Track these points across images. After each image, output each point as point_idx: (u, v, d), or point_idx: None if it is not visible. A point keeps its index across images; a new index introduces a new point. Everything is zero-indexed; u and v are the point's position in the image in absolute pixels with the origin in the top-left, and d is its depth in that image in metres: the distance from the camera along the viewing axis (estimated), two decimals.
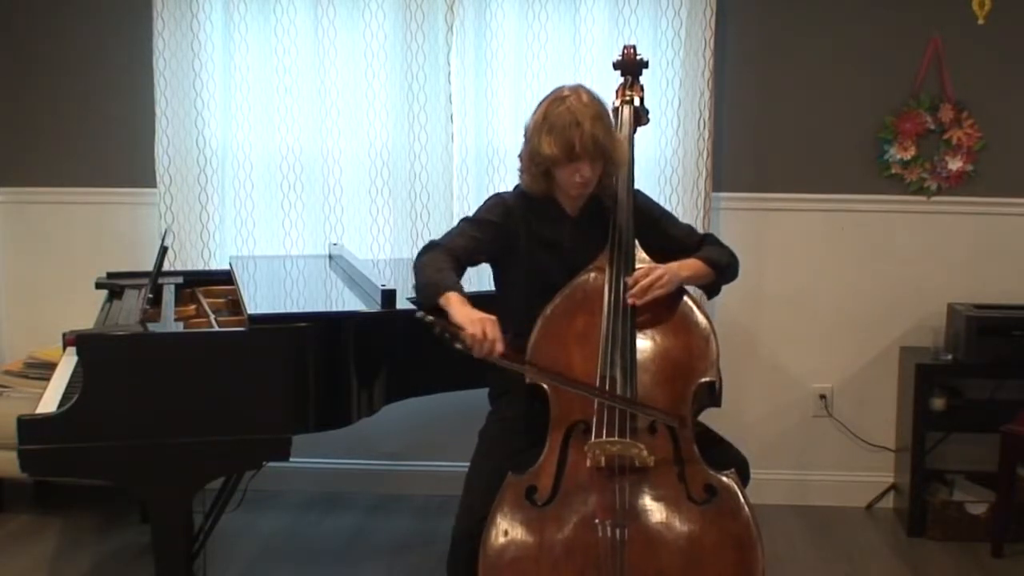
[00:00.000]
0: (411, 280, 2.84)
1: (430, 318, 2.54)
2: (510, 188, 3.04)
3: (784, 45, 4.05)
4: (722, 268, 2.89)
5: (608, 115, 2.79)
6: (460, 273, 2.77)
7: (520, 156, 2.86)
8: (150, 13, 4.00)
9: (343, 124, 4.09)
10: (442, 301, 2.61)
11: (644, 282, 2.70)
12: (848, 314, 4.14)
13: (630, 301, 2.70)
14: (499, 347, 2.55)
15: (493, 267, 2.96)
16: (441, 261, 2.72)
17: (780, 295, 4.16)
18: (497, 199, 2.92)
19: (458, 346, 2.54)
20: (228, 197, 4.14)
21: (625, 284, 2.71)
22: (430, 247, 2.80)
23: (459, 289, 2.65)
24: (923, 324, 4.06)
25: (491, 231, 2.84)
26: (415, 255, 2.83)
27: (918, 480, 3.91)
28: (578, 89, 2.77)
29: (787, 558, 3.68)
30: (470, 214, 2.92)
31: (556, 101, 2.75)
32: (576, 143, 2.67)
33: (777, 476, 4.14)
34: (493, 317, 2.57)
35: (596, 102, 2.75)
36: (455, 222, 4.01)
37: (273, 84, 4.07)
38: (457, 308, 2.58)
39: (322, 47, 4.04)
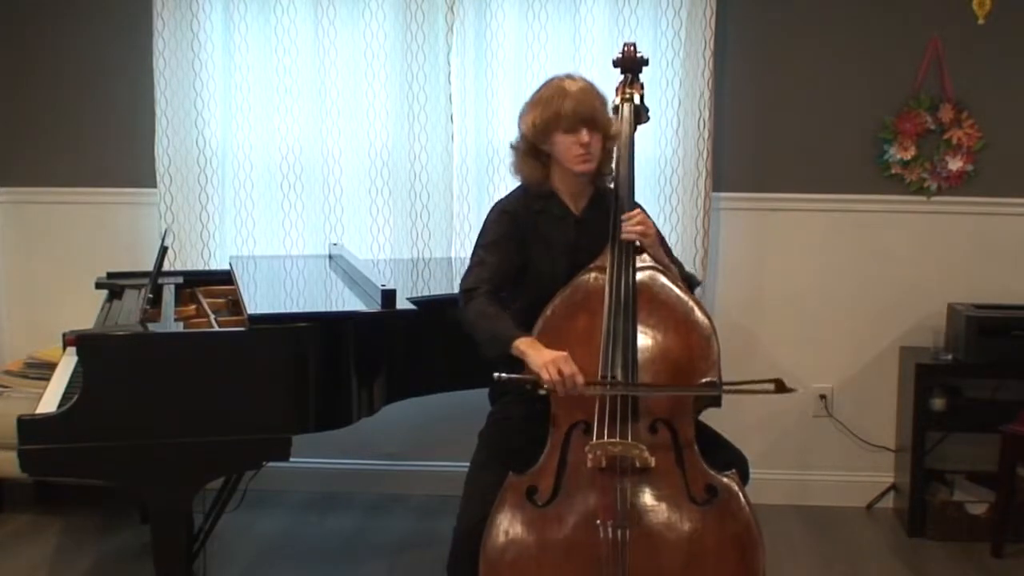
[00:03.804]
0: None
1: (505, 376, 2.59)
2: (510, 187, 3.04)
3: (784, 45, 4.05)
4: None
5: (599, 91, 2.88)
6: (502, 303, 2.79)
7: (512, 146, 2.91)
8: (150, 13, 4.00)
9: (343, 124, 4.08)
10: (513, 352, 2.61)
11: (639, 220, 2.78)
12: (848, 314, 4.14)
13: (626, 232, 2.75)
14: (579, 380, 2.55)
15: None
16: (488, 306, 2.72)
17: (780, 295, 4.16)
18: (499, 212, 2.91)
19: (542, 392, 2.57)
20: (228, 197, 4.14)
21: (621, 221, 2.77)
22: (468, 296, 2.77)
23: (521, 333, 2.65)
24: (923, 324, 4.07)
25: (507, 248, 2.84)
26: (460, 307, 2.79)
27: (918, 480, 3.91)
28: (569, 74, 2.90)
29: (787, 558, 3.68)
30: (481, 239, 2.90)
31: (545, 83, 2.88)
32: (564, 105, 2.77)
33: (777, 476, 4.14)
34: (564, 353, 2.57)
35: (585, 80, 2.87)
36: (455, 222, 4.09)
37: (273, 84, 4.07)
38: (530, 354, 2.58)
39: (322, 47, 4.04)
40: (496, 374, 2.60)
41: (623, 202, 2.84)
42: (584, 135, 2.77)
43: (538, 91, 2.87)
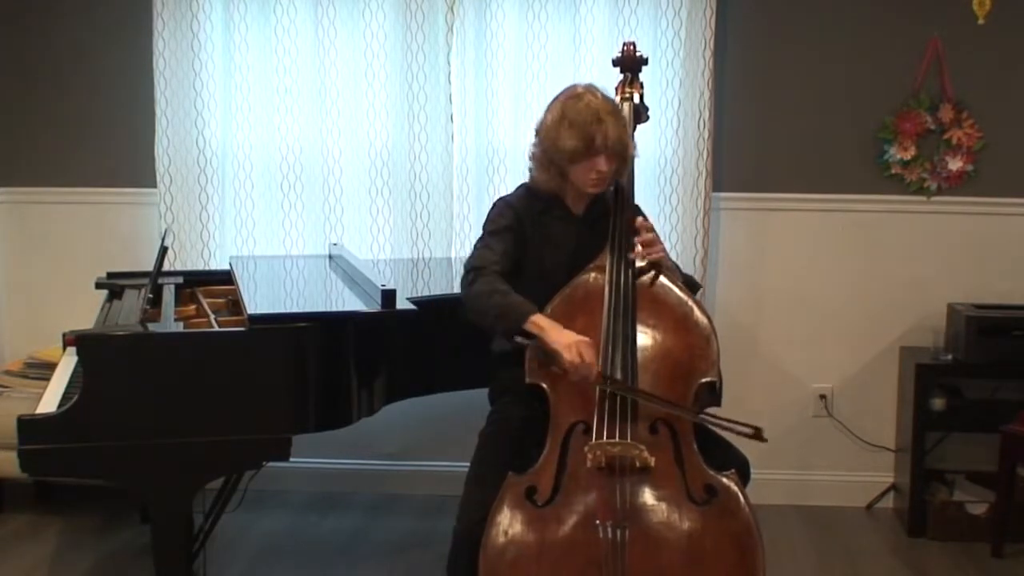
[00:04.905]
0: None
1: (528, 342, 2.56)
2: (510, 188, 3.04)
3: (784, 45, 4.05)
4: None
5: (623, 114, 2.85)
6: None
7: (532, 156, 2.88)
8: (150, 13, 4.00)
9: (343, 124, 4.08)
10: (529, 326, 2.59)
11: (654, 239, 2.78)
12: (848, 314, 4.14)
13: (637, 251, 2.73)
14: (596, 370, 2.55)
15: None
16: (497, 283, 2.69)
17: (780, 295, 4.16)
18: (504, 205, 2.91)
19: (554, 369, 2.55)
20: (228, 197, 4.14)
21: (632, 241, 2.75)
22: (476, 273, 2.73)
23: (538, 309, 2.64)
24: (923, 324, 4.07)
25: (512, 237, 2.83)
26: (462, 283, 2.76)
27: (918, 480, 3.91)
28: (591, 88, 2.83)
29: (787, 558, 3.68)
30: (487, 227, 2.88)
31: (573, 99, 2.79)
32: (597, 137, 2.72)
33: (777, 476, 4.13)
34: (588, 339, 2.57)
35: (611, 100, 2.83)
36: (455, 222, 4.09)
37: (273, 84, 4.07)
38: (550, 331, 2.57)
39: (322, 47, 4.04)
40: (517, 338, 2.57)
41: (625, 204, 2.85)
42: (603, 164, 2.75)
43: (566, 105, 2.78)
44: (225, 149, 4.12)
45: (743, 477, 2.69)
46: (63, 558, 3.68)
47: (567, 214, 2.90)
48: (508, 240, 2.82)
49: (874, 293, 4.12)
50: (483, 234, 2.88)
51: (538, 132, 2.86)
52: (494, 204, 2.95)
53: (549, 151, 2.80)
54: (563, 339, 2.56)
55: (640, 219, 2.83)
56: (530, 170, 2.92)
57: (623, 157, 2.80)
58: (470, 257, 2.83)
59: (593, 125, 2.72)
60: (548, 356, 2.56)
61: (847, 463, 4.20)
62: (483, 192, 4.07)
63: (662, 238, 3.02)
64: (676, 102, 3.98)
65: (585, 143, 2.72)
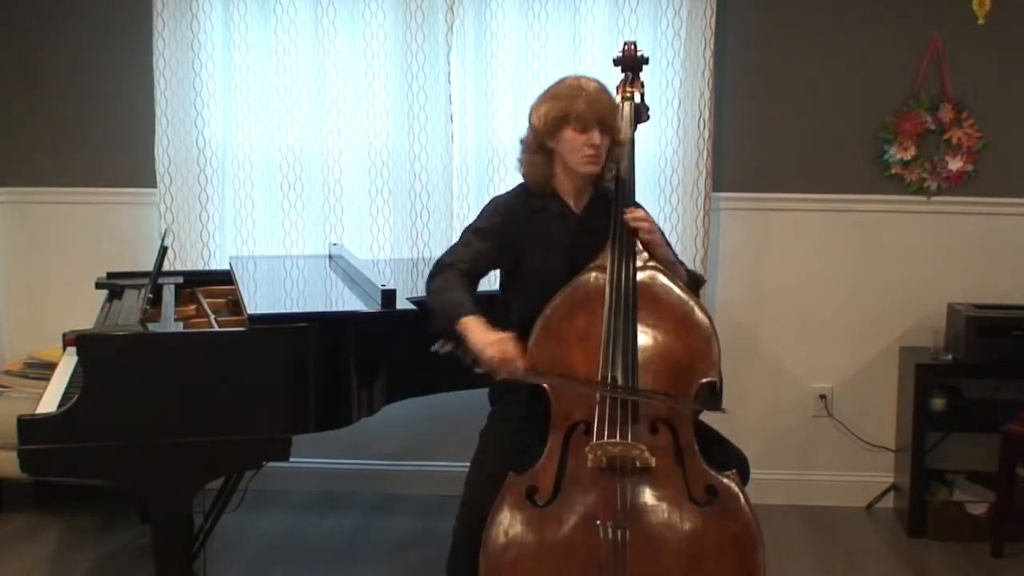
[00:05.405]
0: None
1: (446, 349, 2.61)
2: (510, 188, 3.03)
3: (784, 45, 4.05)
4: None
5: (612, 95, 2.89)
6: (473, 287, 2.80)
7: (521, 140, 2.90)
8: (150, 13, 4.00)
9: (343, 124, 4.08)
10: (459, 329, 2.62)
11: (644, 216, 2.80)
12: (848, 314, 4.14)
13: (629, 220, 2.77)
14: (520, 365, 2.57)
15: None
16: (453, 282, 2.73)
17: (780, 295, 4.16)
18: (498, 204, 2.92)
19: (479, 371, 2.58)
20: (228, 197, 4.14)
21: (622, 214, 2.78)
22: (440, 268, 2.79)
23: (474, 312, 2.65)
24: (923, 324, 4.07)
25: (496, 240, 2.84)
26: (427, 276, 2.82)
27: (918, 480, 3.91)
28: (582, 74, 2.89)
29: (787, 558, 3.68)
30: (473, 223, 2.90)
31: (558, 82, 2.86)
32: (582, 103, 2.75)
33: (777, 476, 4.14)
34: (510, 335, 2.59)
35: (600, 82, 2.86)
36: (455, 222, 4.09)
37: (273, 84, 4.07)
38: (474, 333, 2.59)
39: (322, 47, 4.04)
40: (434, 347, 2.64)
41: (624, 201, 2.84)
42: (596, 136, 2.76)
43: (552, 87, 2.86)
44: (225, 149, 4.12)
45: (743, 476, 2.69)
46: (63, 558, 3.68)
47: (565, 211, 2.90)
48: (491, 241, 2.83)
49: (874, 293, 4.12)
50: (468, 229, 2.90)
51: (529, 121, 2.89)
52: (490, 202, 2.97)
53: (536, 128, 2.82)
54: (484, 339, 2.58)
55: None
56: (519, 159, 2.92)
57: (613, 129, 2.80)
58: (447, 250, 2.87)
59: (573, 94, 2.77)
60: (475, 360, 2.59)
61: (847, 463, 4.20)
62: (483, 192, 4.07)
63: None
64: (676, 102, 3.98)
65: (566, 108, 2.75)
